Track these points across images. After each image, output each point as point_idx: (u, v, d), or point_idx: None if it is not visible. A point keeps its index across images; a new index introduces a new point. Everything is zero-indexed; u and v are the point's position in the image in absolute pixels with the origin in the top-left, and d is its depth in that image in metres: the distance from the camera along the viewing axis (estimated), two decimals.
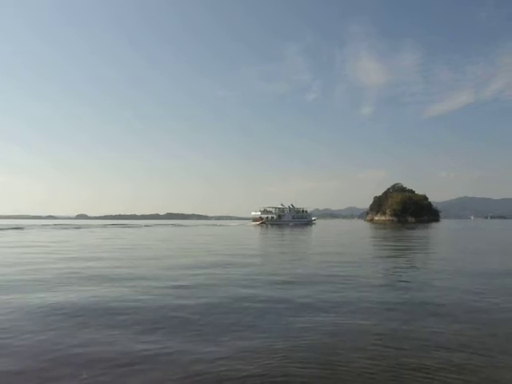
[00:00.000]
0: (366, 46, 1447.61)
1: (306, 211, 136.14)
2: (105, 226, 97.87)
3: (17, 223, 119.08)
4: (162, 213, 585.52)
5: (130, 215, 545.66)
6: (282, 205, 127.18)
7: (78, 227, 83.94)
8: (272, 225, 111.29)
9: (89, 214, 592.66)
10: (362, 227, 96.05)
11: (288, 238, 50.10)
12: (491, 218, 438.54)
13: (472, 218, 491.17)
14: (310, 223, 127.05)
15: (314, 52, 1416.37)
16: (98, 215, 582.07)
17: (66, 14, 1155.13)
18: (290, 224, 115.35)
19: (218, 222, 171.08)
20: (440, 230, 74.81)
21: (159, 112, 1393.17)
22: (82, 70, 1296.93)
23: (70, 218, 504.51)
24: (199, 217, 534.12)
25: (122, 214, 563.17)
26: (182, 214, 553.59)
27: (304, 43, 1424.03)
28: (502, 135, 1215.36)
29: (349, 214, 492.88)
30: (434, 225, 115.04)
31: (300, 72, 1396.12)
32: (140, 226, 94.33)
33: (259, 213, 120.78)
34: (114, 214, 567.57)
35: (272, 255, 26.41)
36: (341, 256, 24.28)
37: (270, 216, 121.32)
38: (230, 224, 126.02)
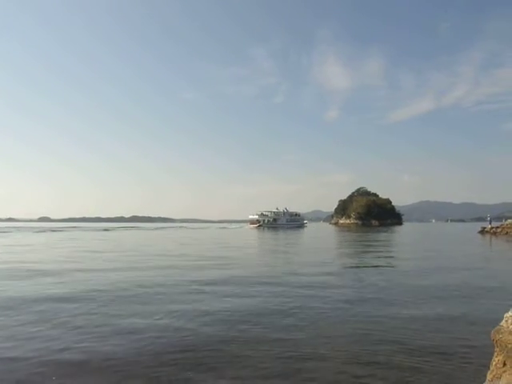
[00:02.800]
0: (334, 50, 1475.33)
1: (299, 215, 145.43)
2: (59, 229, 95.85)
3: None
4: (127, 215, 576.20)
5: (95, 218, 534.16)
6: (277, 209, 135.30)
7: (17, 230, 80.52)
8: (268, 227, 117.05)
9: (52, 217, 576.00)
10: (334, 230, 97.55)
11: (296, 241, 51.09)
12: (451, 221, 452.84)
13: (433, 221, 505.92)
14: (302, 226, 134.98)
15: (281, 55, 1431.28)
16: (61, 218, 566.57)
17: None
18: (285, 227, 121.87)
19: (216, 225, 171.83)
20: (409, 234, 77.26)
21: (131, 108, 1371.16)
22: (54, 69, 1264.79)
23: (31, 220, 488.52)
24: (165, 220, 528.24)
25: (86, 216, 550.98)
26: (148, 217, 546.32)
27: (272, 46, 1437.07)
28: (460, 141, 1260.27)
29: (314, 217, 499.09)
30: (400, 228, 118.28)
31: (267, 74, 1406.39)
32: (98, 230, 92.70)
33: (256, 216, 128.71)
34: (78, 216, 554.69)
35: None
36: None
37: (266, 219, 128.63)
38: (229, 227, 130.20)
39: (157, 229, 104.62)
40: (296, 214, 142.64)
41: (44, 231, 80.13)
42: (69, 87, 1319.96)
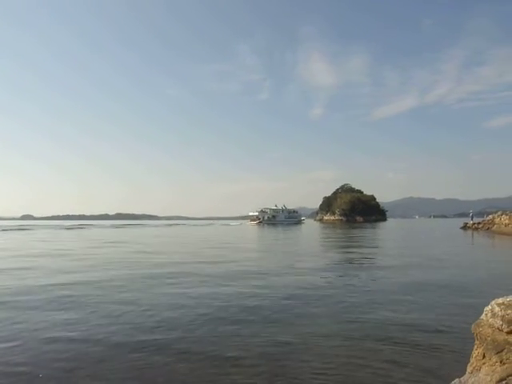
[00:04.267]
0: (318, 46, 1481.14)
1: (297, 212, 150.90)
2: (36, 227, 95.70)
3: None
4: (111, 213, 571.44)
5: (79, 215, 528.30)
6: (275, 206, 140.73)
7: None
8: (268, 224, 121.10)
9: (35, 215, 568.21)
10: (321, 227, 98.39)
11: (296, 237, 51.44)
12: (434, 217, 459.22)
13: (417, 217, 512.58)
14: (299, 222, 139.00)
15: (266, 51, 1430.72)
16: (45, 215, 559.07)
17: None
18: (284, 223, 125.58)
19: (219, 222, 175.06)
20: (394, 230, 78.14)
21: (113, 106, 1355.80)
22: (32, 68, 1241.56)
23: (14, 218, 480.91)
24: (150, 217, 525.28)
25: (70, 214, 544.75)
26: (133, 215, 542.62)
27: (256, 42, 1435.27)
28: (443, 138, 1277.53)
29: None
30: (384, 224, 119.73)
31: (252, 71, 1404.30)
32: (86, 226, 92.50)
33: (257, 213, 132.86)
34: (61, 214, 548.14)
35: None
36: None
37: (265, 216, 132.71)
38: (231, 224, 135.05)
39: (167, 226, 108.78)
40: (294, 211, 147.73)
41: (72, 228, 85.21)
42: (48, 87, 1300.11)
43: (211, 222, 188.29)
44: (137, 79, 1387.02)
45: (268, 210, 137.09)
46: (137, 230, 75.35)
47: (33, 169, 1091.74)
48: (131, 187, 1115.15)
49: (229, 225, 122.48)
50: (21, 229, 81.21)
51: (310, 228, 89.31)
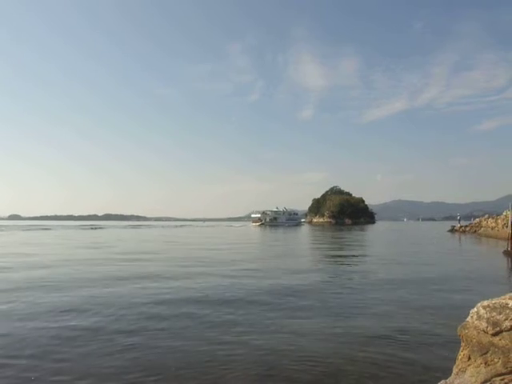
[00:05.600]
0: (309, 48, 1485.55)
1: (297, 214, 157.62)
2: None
3: None
4: (100, 213, 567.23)
5: (67, 216, 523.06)
6: (277, 208, 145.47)
7: None
8: (270, 226, 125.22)
9: (22, 215, 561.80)
10: (312, 229, 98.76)
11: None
12: (422, 220, 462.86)
13: (405, 220, 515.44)
14: (299, 224, 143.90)
15: (256, 52, 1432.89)
16: (32, 216, 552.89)
17: None
18: (285, 225, 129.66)
19: (222, 224, 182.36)
20: (384, 232, 78.57)
21: (100, 105, 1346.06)
22: (13, 64, 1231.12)
23: (2, 218, 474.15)
24: (139, 218, 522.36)
25: (58, 214, 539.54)
26: (122, 215, 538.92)
27: (247, 43, 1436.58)
28: (431, 141, 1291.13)
29: None
30: (373, 227, 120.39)
31: (243, 72, 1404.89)
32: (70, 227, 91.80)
33: (259, 215, 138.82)
34: (49, 214, 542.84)
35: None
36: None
37: (267, 218, 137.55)
38: (235, 225, 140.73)
39: (177, 227, 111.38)
40: (294, 213, 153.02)
41: (87, 229, 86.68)
42: (34, 86, 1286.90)
43: (202, 222, 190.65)
44: (125, 79, 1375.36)
45: (269, 212, 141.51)
46: (159, 230, 78.28)
47: (18, 169, 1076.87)
48: (118, 188, 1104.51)
49: (232, 226, 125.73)
50: (44, 228, 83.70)
51: (308, 230, 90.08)
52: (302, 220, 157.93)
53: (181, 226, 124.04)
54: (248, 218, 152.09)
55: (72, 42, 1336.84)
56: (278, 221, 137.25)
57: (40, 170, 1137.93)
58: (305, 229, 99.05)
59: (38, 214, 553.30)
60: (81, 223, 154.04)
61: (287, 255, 27.05)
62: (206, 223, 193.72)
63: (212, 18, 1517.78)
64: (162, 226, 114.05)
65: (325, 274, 17.09)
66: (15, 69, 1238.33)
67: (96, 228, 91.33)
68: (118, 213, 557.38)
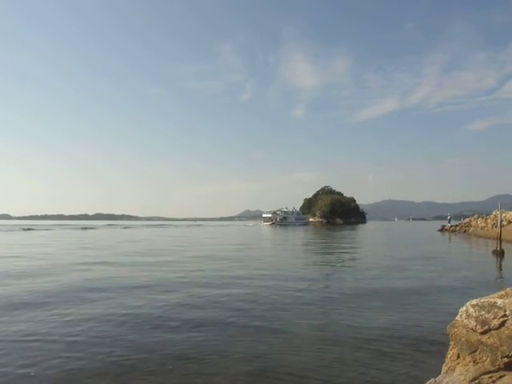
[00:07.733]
0: (301, 47, 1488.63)
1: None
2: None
3: None
4: (90, 213, 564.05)
5: (57, 215, 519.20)
6: (286, 208, 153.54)
7: None
8: (280, 225, 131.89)
9: (12, 214, 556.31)
10: (304, 229, 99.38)
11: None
12: (413, 219, 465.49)
13: (396, 219, 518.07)
14: (307, 223, 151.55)
15: (247, 51, 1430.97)
16: (22, 215, 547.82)
17: None
18: (294, 224, 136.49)
19: (225, 223, 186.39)
20: (375, 232, 79.10)
21: (89, 105, 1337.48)
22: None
23: None
24: (130, 217, 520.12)
25: (48, 214, 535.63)
26: (113, 215, 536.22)
27: (238, 42, 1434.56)
28: (422, 141, 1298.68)
29: None
30: (364, 226, 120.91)
31: (234, 71, 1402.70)
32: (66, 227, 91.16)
33: (270, 215, 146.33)
34: (39, 214, 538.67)
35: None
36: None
37: (277, 218, 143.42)
38: (248, 224, 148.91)
39: (188, 226, 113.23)
40: (303, 213, 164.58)
41: (115, 227, 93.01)
42: (22, 87, 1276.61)
43: (194, 222, 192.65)
44: (115, 79, 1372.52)
45: (279, 212, 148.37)
46: (181, 230, 78.97)
47: (5, 168, 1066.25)
48: (107, 188, 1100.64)
49: (246, 225, 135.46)
50: (46, 229, 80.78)
51: (312, 229, 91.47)
52: (311, 219, 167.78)
53: (197, 225, 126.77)
54: (240, 217, 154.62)
55: (61, 42, 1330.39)
56: (287, 220, 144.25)
57: (25, 170, 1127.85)
58: (311, 228, 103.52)
59: (27, 214, 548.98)
60: (73, 223, 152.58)
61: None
62: (218, 223, 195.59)
63: (202, 18, 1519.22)
64: (175, 226, 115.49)
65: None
66: (10, 74, 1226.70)
67: (117, 227, 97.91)
68: (109, 212, 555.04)
